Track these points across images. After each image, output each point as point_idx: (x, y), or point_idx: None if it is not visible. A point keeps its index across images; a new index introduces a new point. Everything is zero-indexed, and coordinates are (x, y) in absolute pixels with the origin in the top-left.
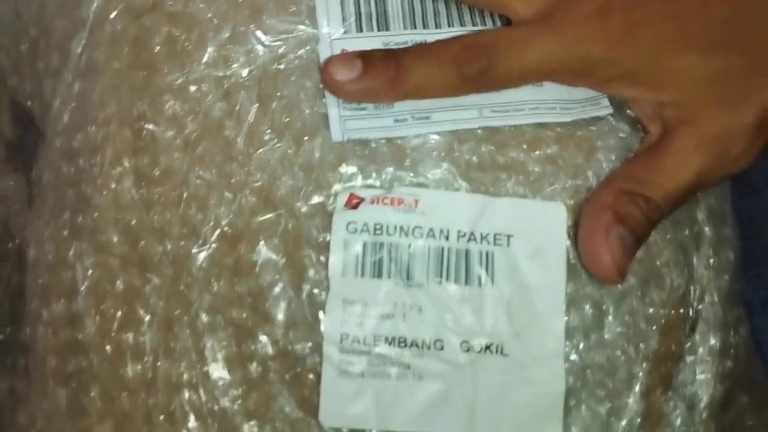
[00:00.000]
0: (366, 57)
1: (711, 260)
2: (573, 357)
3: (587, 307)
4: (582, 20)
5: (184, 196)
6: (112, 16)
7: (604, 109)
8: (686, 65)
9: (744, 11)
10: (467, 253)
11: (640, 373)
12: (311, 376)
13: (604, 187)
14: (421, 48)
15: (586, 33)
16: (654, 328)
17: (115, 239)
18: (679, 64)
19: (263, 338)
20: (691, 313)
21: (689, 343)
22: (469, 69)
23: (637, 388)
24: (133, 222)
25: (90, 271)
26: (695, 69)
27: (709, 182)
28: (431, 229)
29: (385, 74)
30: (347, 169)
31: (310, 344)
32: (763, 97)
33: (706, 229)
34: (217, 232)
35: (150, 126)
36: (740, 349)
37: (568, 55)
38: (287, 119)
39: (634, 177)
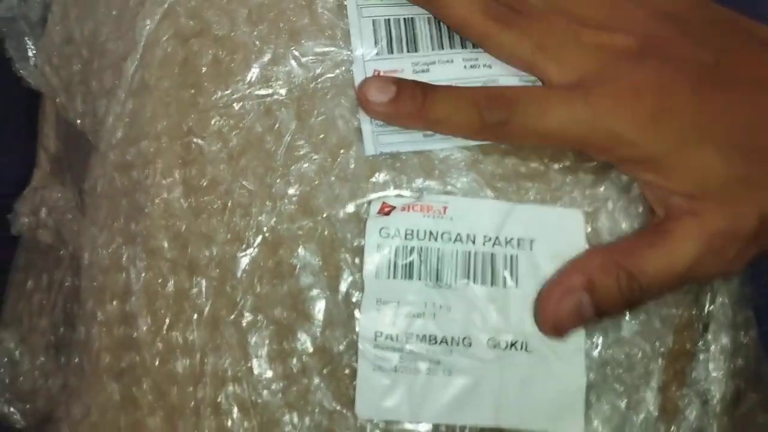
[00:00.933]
0: (400, 84)
1: None
2: (593, 353)
3: None
4: (614, 95)
5: (229, 204)
6: (163, 39)
7: None
8: (707, 162)
9: (764, 123)
10: (493, 256)
11: (657, 370)
12: (347, 371)
13: (595, 250)
14: (451, 88)
15: (616, 109)
16: (669, 327)
17: (165, 244)
18: (700, 159)
19: (302, 336)
20: (703, 313)
21: (702, 342)
22: (489, 116)
23: (653, 384)
24: (182, 228)
25: (142, 274)
26: (714, 168)
27: (699, 277)
28: (459, 234)
29: (413, 103)
30: (380, 179)
31: (346, 341)
32: (765, 207)
33: None
34: (259, 237)
35: (197, 140)
36: (750, 349)
37: (595, 127)
38: (324, 134)
39: (627, 250)
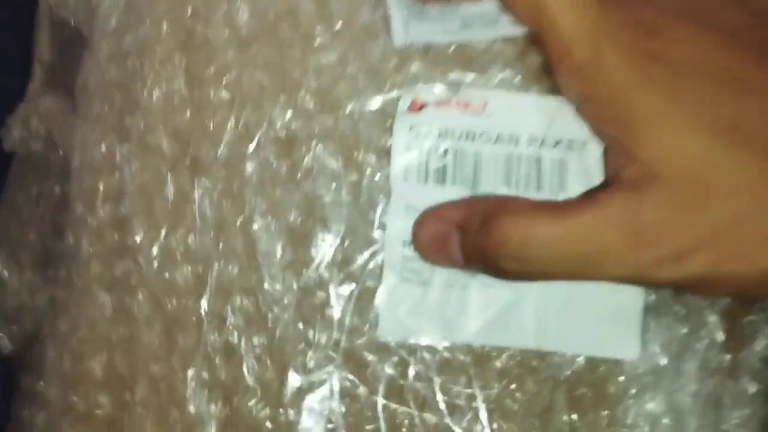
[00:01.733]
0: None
1: None
2: None
3: None
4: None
5: (237, 96)
6: None
7: None
8: (690, 140)
9: None
10: (539, 159)
11: None
12: (370, 284)
13: (491, 197)
14: None
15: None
16: None
17: (164, 141)
18: (685, 131)
19: (320, 245)
20: None
21: None
22: None
23: (719, 307)
24: (184, 123)
25: (138, 174)
26: (695, 148)
27: (611, 277)
28: (500, 134)
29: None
30: (410, 71)
31: (369, 251)
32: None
33: None
34: (271, 134)
35: (202, 25)
36: None
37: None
38: (346, 20)
39: (530, 209)
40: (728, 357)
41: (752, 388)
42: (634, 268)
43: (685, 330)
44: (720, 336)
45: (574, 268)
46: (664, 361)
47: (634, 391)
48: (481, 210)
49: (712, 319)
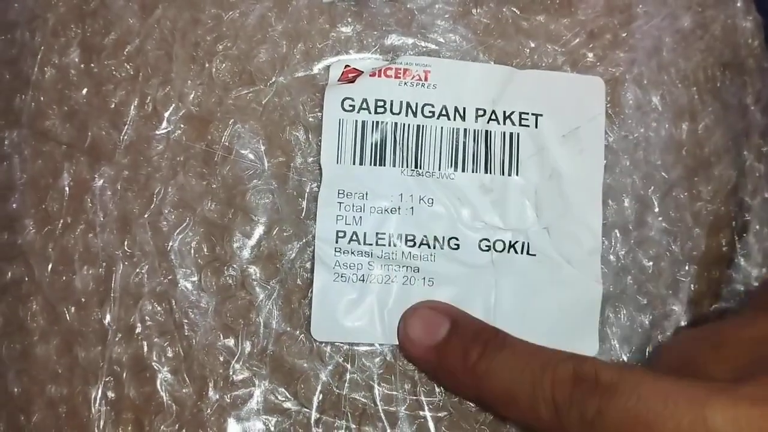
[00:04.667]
0: (456, 320)
1: (763, 149)
2: (611, 258)
3: (627, 199)
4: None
5: (141, 69)
6: None
7: None
8: None
9: None
10: (487, 135)
11: (688, 278)
12: (300, 282)
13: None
14: (522, 347)
15: None
16: (702, 225)
17: (59, 123)
18: None
19: (241, 239)
20: (742, 209)
21: (740, 244)
22: (570, 411)
23: (683, 295)
24: (81, 102)
25: (29, 163)
26: None
27: None
28: (444, 107)
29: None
30: (341, 34)
31: (298, 245)
32: None
33: (757, 115)
34: (182, 112)
35: None
36: None
37: None
38: None
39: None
40: None
41: None
42: None
43: (647, 321)
44: (684, 326)
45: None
46: (624, 355)
47: None
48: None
49: (677, 308)
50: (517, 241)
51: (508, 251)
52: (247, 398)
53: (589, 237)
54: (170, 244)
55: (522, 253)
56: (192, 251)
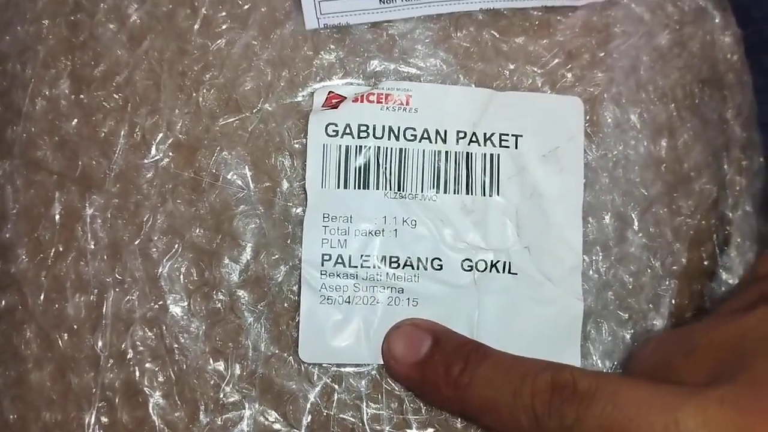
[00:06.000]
0: (438, 336)
1: (743, 163)
2: (591, 274)
3: (607, 216)
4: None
5: (130, 99)
6: None
7: None
8: None
9: None
10: (468, 156)
11: (669, 292)
12: (287, 305)
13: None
14: (503, 359)
15: None
16: (683, 239)
17: (50, 153)
18: None
19: (229, 263)
20: (723, 223)
21: (722, 257)
22: (549, 420)
23: (664, 309)
24: (71, 133)
25: (21, 193)
26: None
27: None
28: (426, 130)
29: (445, 374)
30: (324, 61)
31: (285, 269)
32: None
33: (737, 129)
34: (170, 141)
35: (87, 18)
36: None
37: None
38: (249, 3)
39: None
40: None
41: None
42: None
43: (628, 336)
44: None
45: None
46: (606, 370)
47: None
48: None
49: (658, 322)
50: (498, 261)
51: (490, 270)
52: (237, 420)
53: (569, 254)
54: (160, 270)
55: (504, 272)
56: (181, 277)
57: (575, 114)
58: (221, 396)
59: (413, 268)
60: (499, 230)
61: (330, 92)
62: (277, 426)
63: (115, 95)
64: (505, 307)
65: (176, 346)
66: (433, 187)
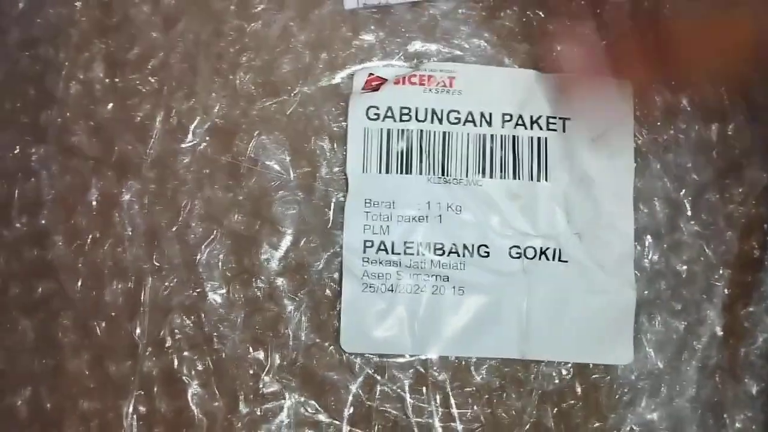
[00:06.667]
0: None
1: None
2: (644, 263)
3: (659, 203)
4: None
5: (166, 82)
6: None
7: None
8: None
9: None
10: (515, 140)
11: (722, 282)
12: (328, 293)
13: None
14: None
15: None
16: (735, 227)
17: (85, 138)
18: None
19: (268, 250)
20: None
21: None
22: None
23: (717, 300)
24: (106, 117)
25: (57, 178)
26: None
27: None
28: (470, 113)
29: None
30: (364, 42)
31: (326, 255)
32: None
33: None
34: (207, 125)
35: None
36: None
37: None
38: None
39: None
40: (728, 355)
41: (754, 388)
42: None
43: (682, 327)
44: (719, 332)
45: None
46: (659, 363)
47: (627, 398)
48: None
49: (711, 313)
50: (548, 248)
51: (540, 258)
52: (277, 411)
53: (621, 242)
54: (198, 257)
55: (554, 259)
56: (220, 264)
57: (625, 98)
58: (260, 386)
59: (459, 255)
60: (548, 216)
61: (370, 74)
62: (318, 417)
63: (150, 78)
64: (555, 296)
65: (215, 334)
66: (479, 172)
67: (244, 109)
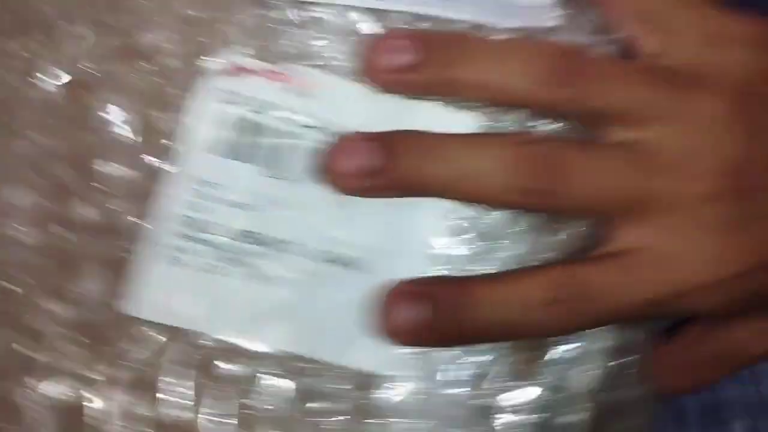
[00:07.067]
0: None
1: None
2: None
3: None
4: None
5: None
6: None
7: (552, 20)
8: None
9: None
10: None
11: None
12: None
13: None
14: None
15: None
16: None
17: None
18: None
19: (80, 204)
20: None
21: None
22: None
23: None
24: None
25: None
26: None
27: None
28: (320, 120)
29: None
30: (236, 28)
31: (141, 221)
32: None
33: None
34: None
35: None
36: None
37: None
38: None
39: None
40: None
41: None
42: None
43: None
44: None
45: None
46: None
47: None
48: None
49: None
50: (358, 257)
51: (347, 266)
52: None
53: (425, 264)
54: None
55: (359, 269)
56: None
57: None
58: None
59: (269, 246)
60: (364, 229)
61: (232, 61)
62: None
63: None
64: (354, 302)
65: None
66: (311, 177)
67: (100, 67)
